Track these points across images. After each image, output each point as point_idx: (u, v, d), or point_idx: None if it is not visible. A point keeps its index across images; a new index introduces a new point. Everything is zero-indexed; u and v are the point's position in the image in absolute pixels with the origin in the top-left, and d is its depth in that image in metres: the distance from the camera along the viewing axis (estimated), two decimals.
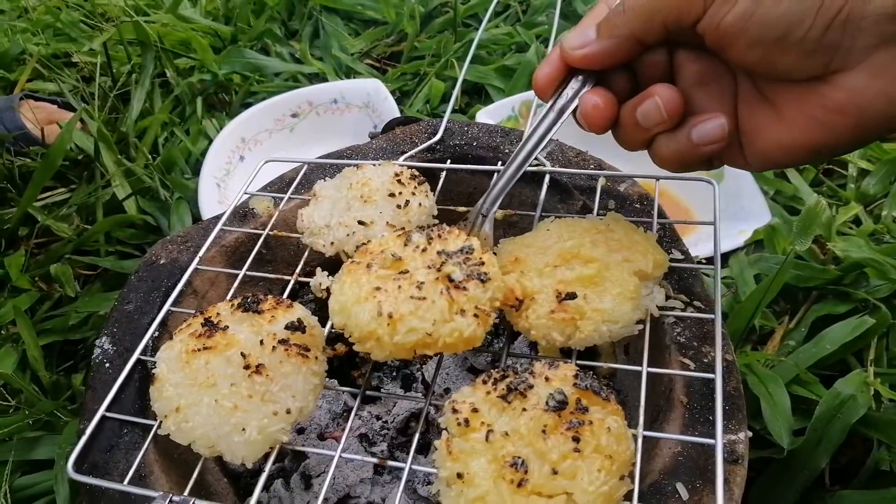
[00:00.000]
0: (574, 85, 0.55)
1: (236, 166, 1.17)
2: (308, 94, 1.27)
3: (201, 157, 1.16)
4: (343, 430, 0.71)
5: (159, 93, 1.33)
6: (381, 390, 0.74)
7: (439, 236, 0.56)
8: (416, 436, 0.53)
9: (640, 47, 0.51)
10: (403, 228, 0.63)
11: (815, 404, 0.71)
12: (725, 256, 0.91)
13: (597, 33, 0.52)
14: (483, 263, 0.54)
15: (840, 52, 0.43)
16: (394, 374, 0.76)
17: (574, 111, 0.55)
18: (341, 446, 0.52)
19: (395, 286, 0.53)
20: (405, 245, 0.56)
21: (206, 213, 1.04)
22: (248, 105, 1.27)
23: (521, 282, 0.56)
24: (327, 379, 0.73)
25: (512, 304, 0.55)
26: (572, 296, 0.54)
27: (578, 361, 0.56)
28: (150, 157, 1.18)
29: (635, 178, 0.72)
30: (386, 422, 0.71)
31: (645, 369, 0.53)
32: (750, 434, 0.53)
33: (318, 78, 1.37)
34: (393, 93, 1.28)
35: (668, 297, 0.61)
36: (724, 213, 0.97)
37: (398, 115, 1.20)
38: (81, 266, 1.06)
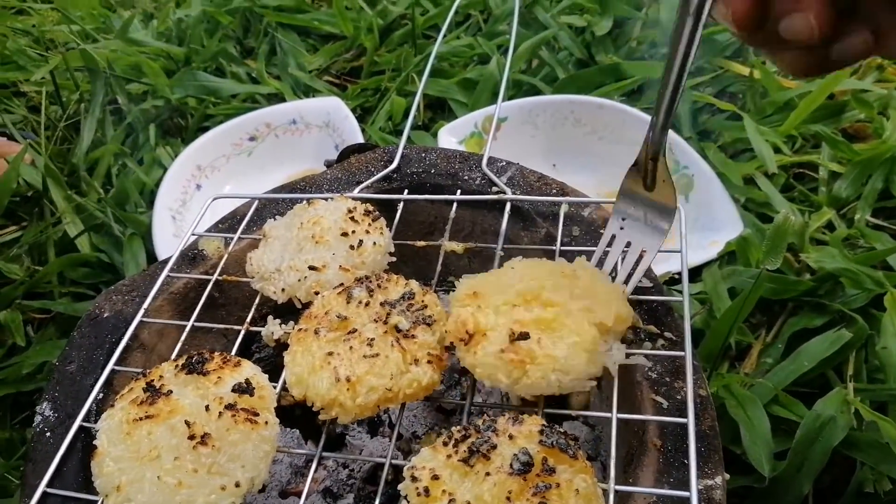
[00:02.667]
0: None
1: (192, 196, 1.13)
2: (266, 115, 1.23)
3: (156, 188, 1.11)
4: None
5: (111, 121, 1.28)
6: (347, 437, 0.70)
7: (379, 286, 0.55)
8: (378, 497, 0.50)
9: None
10: (350, 281, 0.59)
11: (796, 424, 0.69)
12: (698, 269, 0.89)
13: None
14: (426, 306, 0.54)
15: None
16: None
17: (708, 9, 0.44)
18: None
19: (346, 348, 0.52)
20: (348, 302, 0.55)
21: (161, 248, 1.00)
22: (206, 129, 1.23)
23: (476, 316, 0.53)
24: (289, 429, 0.70)
25: (462, 337, 0.52)
26: (525, 336, 0.51)
27: (546, 410, 0.53)
28: (101, 191, 1.13)
29: (600, 203, 0.69)
30: (353, 470, 0.68)
31: (615, 416, 0.50)
32: (727, 477, 0.51)
33: (276, 98, 1.33)
34: (354, 110, 1.25)
35: (636, 333, 0.59)
36: (696, 224, 0.95)
37: (359, 133, 1.17)
38: (33, 310, 1.01)
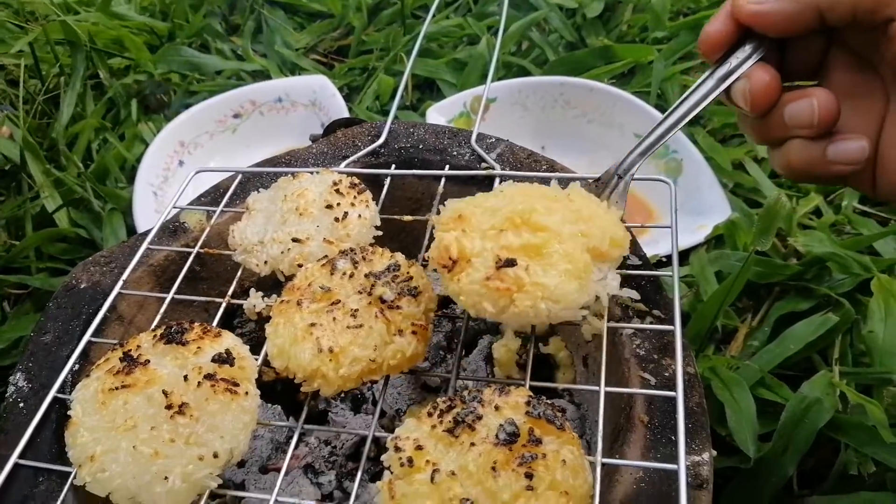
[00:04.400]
0: (740, 55, 0.50)
1: (175, 172, 1.10)
2: (251, 92, 1.21)
3: (137, 164, 1.09)
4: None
5: (91, 95, 1.26)
6: (329, 413, 0.69)
7: (364, 258, 0.54)
8: (360, 473, 0.49)
9: (816, 22, 0.46)
10: (333, 256, 0.58)
11: (782, 407, 0.69)
12: (686, 253, 0.88)
13: None
14: (411, 278, 0.53)
15: None
16: (342, 394, 0.72)
17: (730, 83, 0.50)
18: (277, 489, 0.48)
19: (329, 319, 0.51)
20: (332, 274, 0.54)
21: (142, 224, 0.98)
22: (188, 106, 1.21)
23: (461, 241, 0.50)
24: (270, 405, 0.69)
25: (445, 263, 0.49)
26: (512, 263, 0.48)
27: (532, 383, 0.52)
28: (80, 165, 1.10)
29: (588, 180, 0.68)
30: (335, 447, 0.67)
31: (603, 389, 0.50)
32: (714, 453, 0.50)
33: (261, 75, 1.31)
34: (341, 89, 1.23)
35: (625, 311, 0.58)
36: (684, 208, 0.94)
37: (346, 113, 1.15)
38: (10, 285, 0.99)
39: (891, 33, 0.43)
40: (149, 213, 1.00)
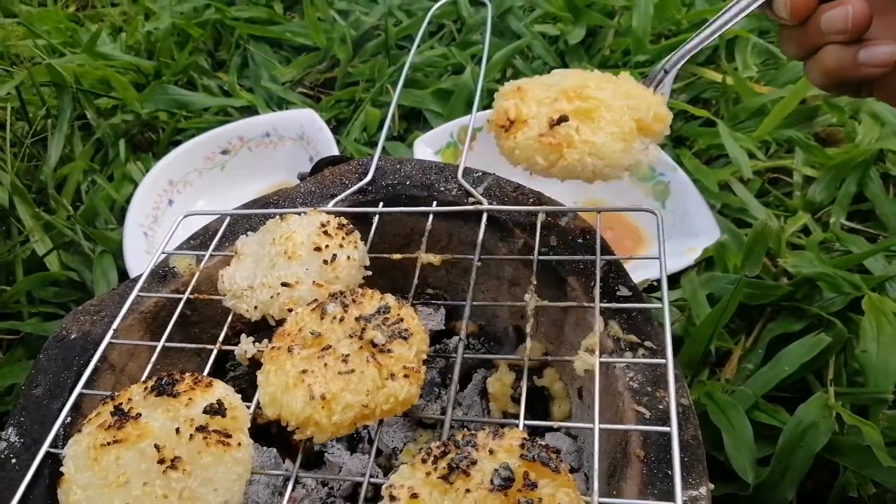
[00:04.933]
0: None
1: (164, 212, 1.10)
2: (238, 128, 1.21)
3: (127, 205, 1.09)
4: None
5: (79, 136, 1.26)
6: (326, 454, 0.69)
7: (354, 301, 0.54)
8: None
9: None
10: (322, 299, 0.58)
11: (779, 430, 0.69)
12: (677, 276, 0.88)
13: None
14: (402, 320, 0.53)
15: None
16: None
17: None
18: None
19: (321, 365, 0.51)
20: (322, 318, 0.54)
21: (133, 265, 0.98)
22: (177, 143, 1.21)
23: (518, 106, 0.58)
24: (266, 448, 0.68)
25: (502, 124, 0.57)
26: (564, 119, 0.54)
27: (526, 422, 0.52)
28: (69, 208, 1.10)
29: (577, 212, 0.69)
30: (332, 489, 0.66)
31: (597, 427, 0.50)
32: (712, 487, 0.50)
33: (249, 111, 1.31)
34: (328, 122, 1.24)
35: (617, 343, 0.58)
36: (673, 231, 0.95)
37: (334, 145, 1.16)
38: (1, 331, 0.98)
39: None
40: (139, 255, 1.00)
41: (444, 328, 0.76)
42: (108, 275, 0.99)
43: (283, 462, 0.69)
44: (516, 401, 0.69)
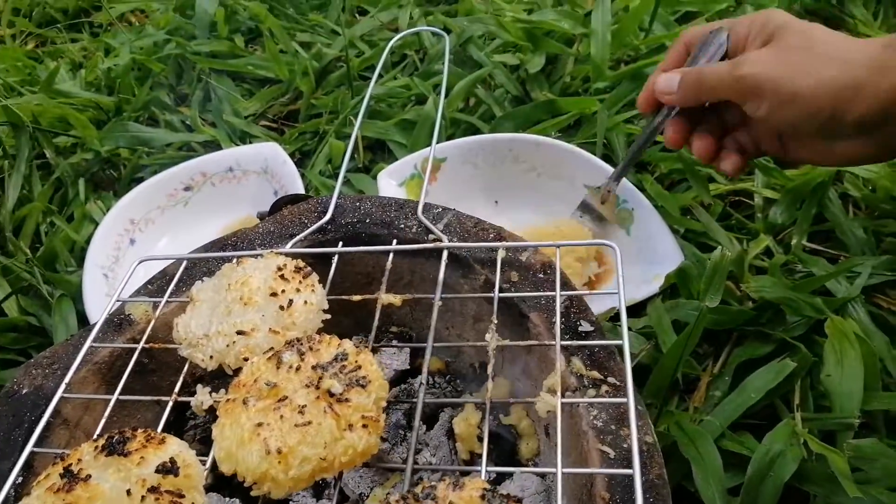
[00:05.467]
0: (664, 111, 0.81)
1: (126, 252, 1.08)
2: (200, 164, 1.20)
3: (87, 245, 1.07)
4: None
5: (38, 176, 1.24)
6: (290, 502, 0.67)
7: (311, 349, 0.53)
8: None
9: (702, 103, 0.78)
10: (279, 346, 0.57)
11: (748, 458, 0.69)
12: (643, 304, 0.88)
13: (678, 87, 0.75)
14: (360, 367, 0.52)
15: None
16: None
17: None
18: None
19: (276, 417, 0.50)
20: (277, 368, 0.52)
21: (92, 309, 0.96)
22: (140, 180, 1.19)
23: None
24: (228, 499, 0.67)
25: None
26: None
27: (489, 469, 0.51)
28: (28, 251, 1.08)
29: (538, 247, 0.69)
30: None
31: (560, 471, 0.49)
32: None
33: (212, 146, 1.30)
34: (292, 154, 1.23)
35: (580, 380, 0.57)
36: (638, 259, 0.95)
37: (298, 178, 1.14)
38: None
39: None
40: (99, 297, 0.98)
41: (409, 367, 0.75)
42: (67, 320, 0.97)
43: None
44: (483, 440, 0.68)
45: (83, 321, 0.98)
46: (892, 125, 0.62)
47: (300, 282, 0.61)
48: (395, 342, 0.77)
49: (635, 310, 0.89)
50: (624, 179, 1.00)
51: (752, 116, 0.70)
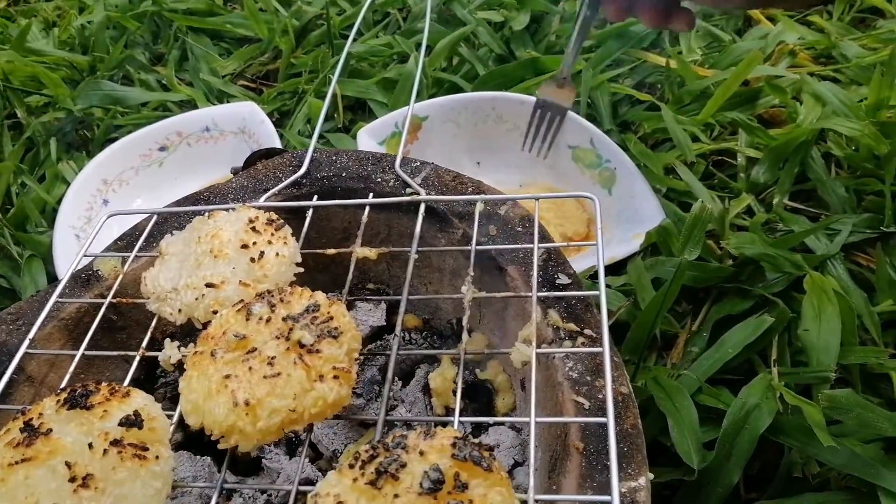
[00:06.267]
0: None
1: (99, 213, 1.06)
2: (176, 123, 1.17)
3: (59, 206, 1.04)
4: None
5: (9, 136, 1.21)
6: (263, 460, 0.66)
7: (281, 300, 0.52)
8: None
9: None
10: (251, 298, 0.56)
11: (724, 413, 0.69)
12: (623, 262, 0.88)
13: None
14: (332, 318, 0.51)
15: None
16: None
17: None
18: None
19: (245, 369, 0.48)
20: (247, 319, 0.51)
21: (63, 269, 0.94)
22: (112, 141, 1.16)
23: None
24: (199, 457, 0.66)
25: None
26: None
27: (462, 419, 0.51)
28: None
29: (516, 199, 0.67)
30: (271, 496, 0.64)
31: (533, 420, 0.48)
32: (652, 476, 0.49)
33: (189, 105, 1.27)
34: (271, 115, 1.20)
35: (556, 332, 0.57)
36: (620, 218, 0.94)
37: (276, 138, 1.12)
38: None
39: None
40: (70, 258, 0.95)
41: (385, 324, 0.74)
42: (37, 280, 0.95)
43: (219, 472, 0.66)
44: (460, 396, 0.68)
45: (54, 282, 0.96)
46: None
47: (272, 234, 0.59)
48: (371, 298, 0.76)
49: (616, 269, 0.88)
50: (607, 139, 0.99)
51: None
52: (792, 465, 0.68)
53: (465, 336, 0.55)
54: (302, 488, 0.48)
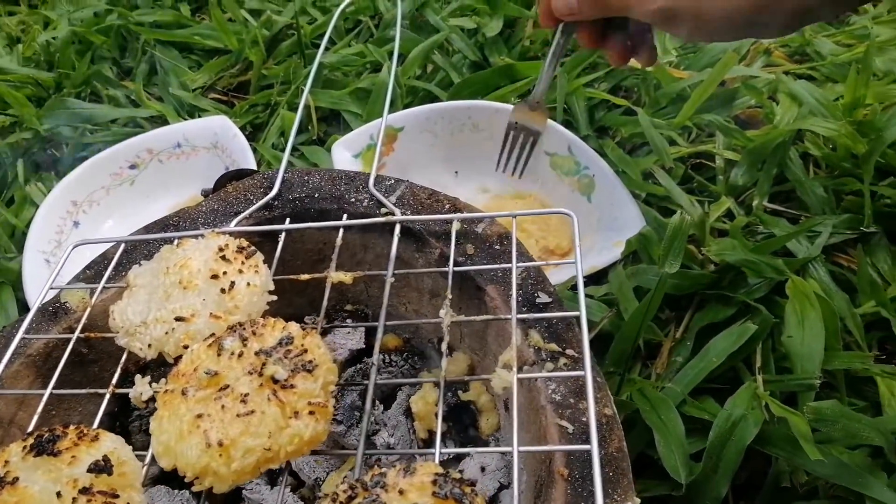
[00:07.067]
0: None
1: (69, 235, 1.04)
2: (146, 140, 1.15)
3: (27, 230, 1.02)
4: None
5: None
6: (244, 492, 0.65)
7: (254, 333, 0.50)
8: None
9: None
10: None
11: (710, 423, 0.68)
12: (605, 271, 0.87)
13: (578, 5, 0.71)
14: (306, 350, 0.49)
15: None
16: None
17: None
18: None
19: (217, 407, 0.47)
20: (219, 355, 0.49)
21: (33, 297, 0.91)
22: (82, 160, 1.13)
23: None
24: (177, 492, 0.64)
25: None
26: None
27: (444, 450, 0.49)
28: None
29: (494, 217, 0.66)
30: None
31: (516, 450, 0.47)
32: (638, 501, 0.48)
33: (159, 121, 1.24)
34: (243, 128, 1.18)
35: (538, 353, 0.56)
36: (599, 225, 0.93)
37: (249, 152, 1.10)
38: None
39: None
40: (41, 284, 0.91)
41: (364, 346, 0.72)
42: (7, 308, 0.93)
43: None
44: (443, 418, 0.67)
45: (24, 309, 0.94)
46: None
47: (243, 262, 0.58)
48: (349, 321, 0.75)
49: (597, 277, 0.87)
50: (585, 145, 0.98)
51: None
52: (779, 475, 0.67)
53: (444, 363, 0.54)
54: None
